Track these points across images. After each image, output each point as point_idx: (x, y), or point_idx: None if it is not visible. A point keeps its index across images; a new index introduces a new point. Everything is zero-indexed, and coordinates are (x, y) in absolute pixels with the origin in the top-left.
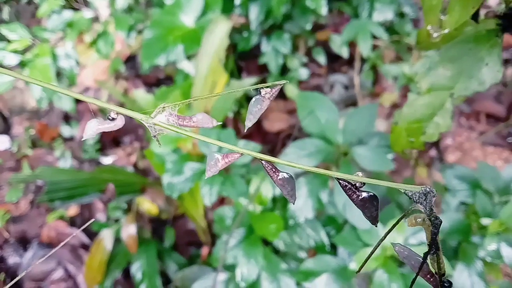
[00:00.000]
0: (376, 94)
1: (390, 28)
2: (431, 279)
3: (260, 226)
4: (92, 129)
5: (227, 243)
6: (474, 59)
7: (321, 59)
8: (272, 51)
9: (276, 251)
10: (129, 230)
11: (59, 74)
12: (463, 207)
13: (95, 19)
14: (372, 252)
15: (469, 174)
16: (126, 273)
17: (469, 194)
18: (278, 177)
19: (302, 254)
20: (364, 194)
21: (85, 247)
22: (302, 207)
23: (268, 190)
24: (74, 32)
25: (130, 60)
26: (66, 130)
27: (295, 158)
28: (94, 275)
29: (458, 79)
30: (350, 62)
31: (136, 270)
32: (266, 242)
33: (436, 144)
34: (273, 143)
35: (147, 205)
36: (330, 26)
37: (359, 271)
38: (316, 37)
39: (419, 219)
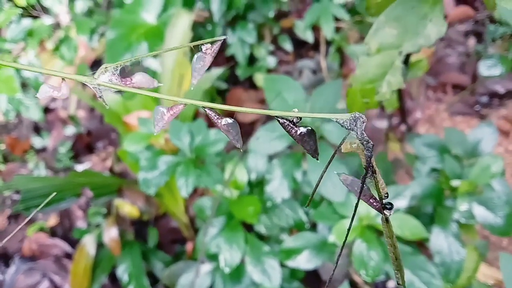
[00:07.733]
0: (344, 75)
1: (352, 9)
2: (374, 203)
3: (238, 210)
4: (45, 93)
5: (207, 233)
6: (418, 16)
7: (288, 46)
8: (238, 42)
9: (260, 237)
10: (111, 233)
11: (24, 85)
12: (434, 174)
13: (56, 25)
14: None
15: (437, 141)
16: (113, 277)
17: (439, 160)
18: (222, 123)
19: (284, 237)
20: (302, 129)
21: (69, 256)
22: (278, 187)
23: (243, 175)
24: (35, 40)
25: (96, 64)
26: (37, 142)
27: (266, 141)
28: (80, 283)
29: (405, 36)
30: (316, 46)
31: (122, 272)
32: (248, 229)
33: (404, 119)
34: (248, 134)
35: (128, 208)
36: (293, 13)
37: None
38: (281, 25)
39: (354, 145)
